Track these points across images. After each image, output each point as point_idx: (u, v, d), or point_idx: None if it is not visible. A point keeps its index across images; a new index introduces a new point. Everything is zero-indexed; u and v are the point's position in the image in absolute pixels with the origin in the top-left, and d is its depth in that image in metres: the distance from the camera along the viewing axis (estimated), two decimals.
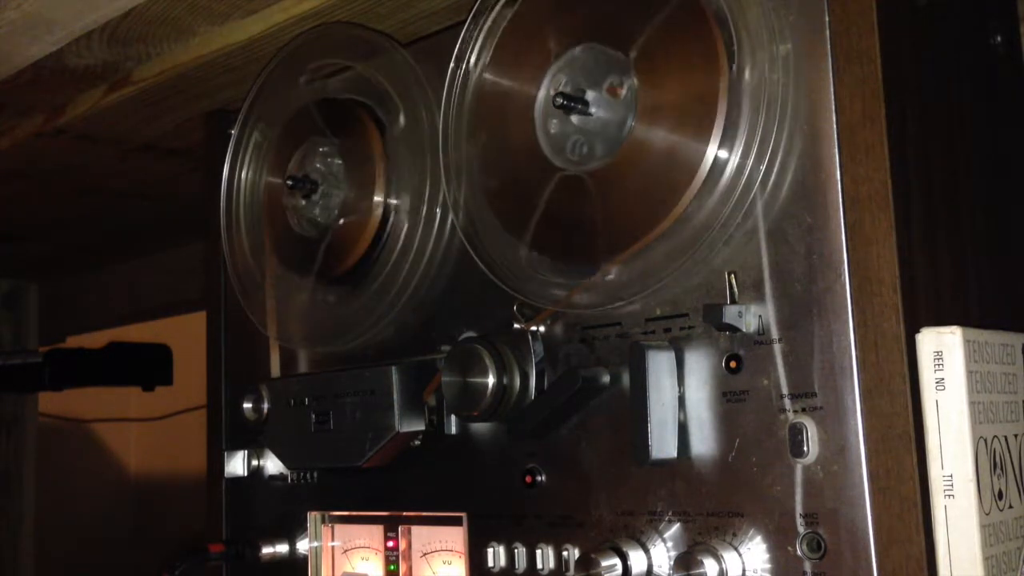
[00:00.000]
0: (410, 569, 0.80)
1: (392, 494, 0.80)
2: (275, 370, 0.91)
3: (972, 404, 0.57)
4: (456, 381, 0.72)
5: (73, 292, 1.96)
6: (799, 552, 0.58)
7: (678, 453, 0.63)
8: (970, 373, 0.57)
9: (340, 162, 0.85)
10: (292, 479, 0.88)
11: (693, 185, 0.62)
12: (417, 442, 0.78)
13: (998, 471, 0.59)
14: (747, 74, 0.61)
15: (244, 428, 0.90)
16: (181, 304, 1.70)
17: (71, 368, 1.54)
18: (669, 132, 0.64)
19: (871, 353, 0.57)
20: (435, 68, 0.78)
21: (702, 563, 0.60)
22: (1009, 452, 0.61)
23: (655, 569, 0.64)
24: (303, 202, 0.87)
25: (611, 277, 0.66)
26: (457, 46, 0.75)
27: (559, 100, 0.67)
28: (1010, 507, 0.60)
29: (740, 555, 0.60)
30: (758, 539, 0.60)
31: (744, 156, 0.61)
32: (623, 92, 0.67)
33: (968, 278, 0.65)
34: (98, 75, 0.98)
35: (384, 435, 0.76)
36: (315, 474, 0.86)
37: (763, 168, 0.61)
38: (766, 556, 0.60)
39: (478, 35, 0.75)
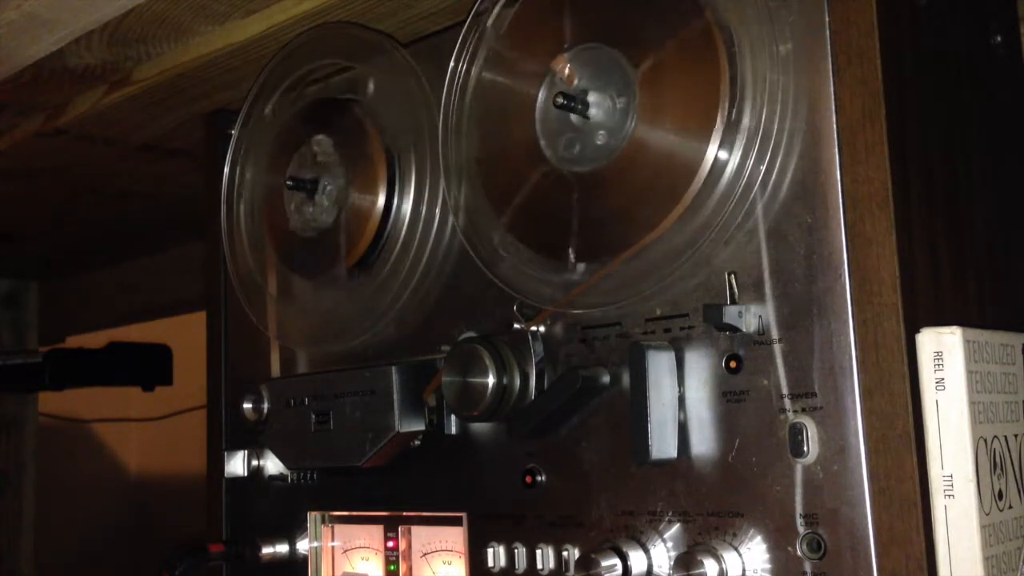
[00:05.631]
0: (410, 569, 0.80)
1: (392, 494, 0.80)
2: (275, 370, 0.91)
3: (972, 404, 0.57)
4: (456, 381, 0.72)
5: (73, 292, 1.96)
6: (799, 552, 0.58)
7: (678, 453, 0.63)
8: (970, 373, 0.57)
9: (340, 162, 0.85)
10: (292, 479, 0.88)
11: (693, 185, 0.62)
12: (417, 442, 0.78)
13: (998, 471, 0.59)
14: (747, 74, 0.61)
15: (244, 428, 0.90)
16: (181, 304, 1.70)
17: (71, 368, 1.53)
18: (669, 132, 0.64)
19: (871, 353, 0.57)
20: (435, 68, 0.78)
21: (702, 563, 0.60)
22: (1009, 452, 0.61)
23: (655, 569, 0.64)
24: (303, 202, 0.87)
25: (611, 277, 0.66)
26: (457, 46, 0.75)
27: (559, 100, 0.67)
28: (1010, 507, 0.60)
29: (740, 555, 0.60)
30: (758, 539, 0.60)
31: (744, 156, 0.61)
32: (623, 92, 0.67)
33: (968, 278, 0.65)
34: (98, 75, 0.98)
35: (384, 435, 0.76)
36: (315, 474, 0.86)
37: (763, 168, 0.61)
38: (766, 556, 0.60)
39: (478, 35, 0.75)
